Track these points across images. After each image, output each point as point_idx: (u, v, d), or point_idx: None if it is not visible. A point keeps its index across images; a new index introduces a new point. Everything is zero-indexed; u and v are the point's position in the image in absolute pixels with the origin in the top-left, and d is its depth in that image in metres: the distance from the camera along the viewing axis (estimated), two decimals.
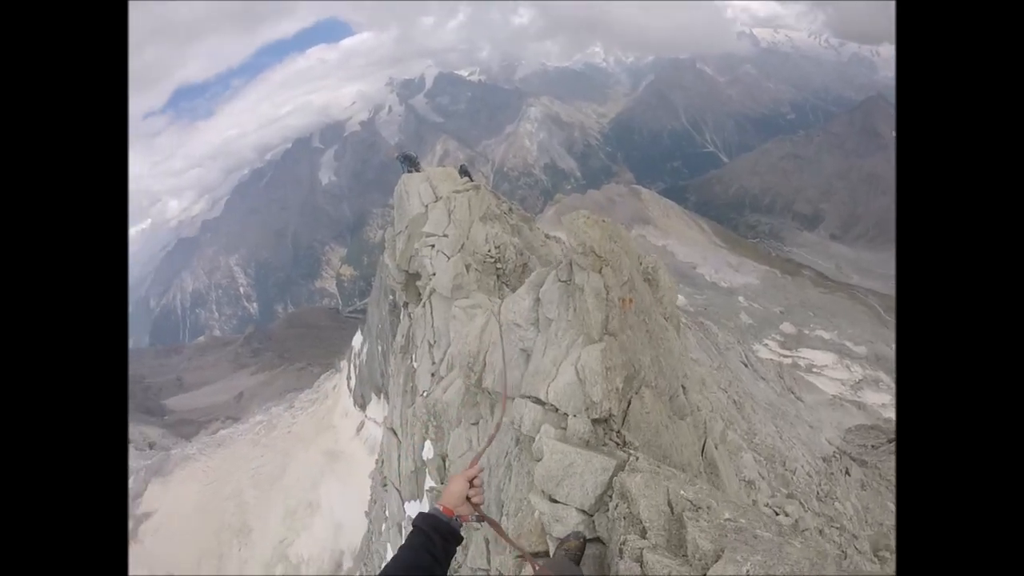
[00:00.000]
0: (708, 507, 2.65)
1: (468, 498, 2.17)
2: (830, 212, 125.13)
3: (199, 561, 37.72)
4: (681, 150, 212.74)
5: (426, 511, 2.10)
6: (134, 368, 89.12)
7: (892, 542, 13.22)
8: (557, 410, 3.85)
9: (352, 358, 48.70)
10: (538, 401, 4.06)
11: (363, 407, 42.96)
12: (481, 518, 2.22)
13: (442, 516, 2.05)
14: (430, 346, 7.48)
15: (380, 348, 37.63)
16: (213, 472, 45.76)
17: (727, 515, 2.57)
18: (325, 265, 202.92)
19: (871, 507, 16.30)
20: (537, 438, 3.75)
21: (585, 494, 3.23)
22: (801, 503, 10.59)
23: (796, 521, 7.63)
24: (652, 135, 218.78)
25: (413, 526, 2.04)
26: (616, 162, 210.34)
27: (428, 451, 5.90)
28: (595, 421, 3.65)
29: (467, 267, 7.76)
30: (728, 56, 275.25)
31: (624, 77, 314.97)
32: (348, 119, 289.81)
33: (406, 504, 7.29)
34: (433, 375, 6.81)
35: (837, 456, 19.88)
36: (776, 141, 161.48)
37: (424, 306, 7.86)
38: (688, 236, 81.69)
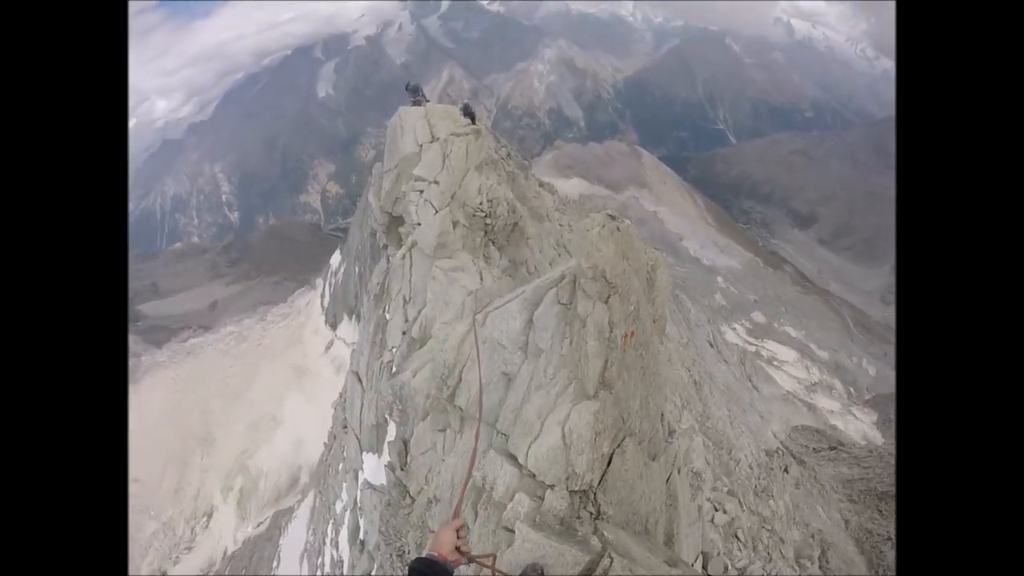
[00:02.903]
0: None
1: (457, 547, 2.44)
2: (825, 217, 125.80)
3: (164, 467, 38.63)
4: (691, 121, 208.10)
5: (423, 556, 2.36)
6: None
7: (814, 551, 14.22)
8: (535, 476, 3.62)
9: (328, 276, 48.34)
10: (515, 462, 3.79)
11: (334, 326, 43.11)
12: (470, 561, 2.53)
13: (438, 560, 2.31)
14: (405, 301, 7.18)
15: (357, 269, 37.28)
16: (182, 380, 46.07)
17: None
18: (312, 180, 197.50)
19: (801, 506, 17.24)
20: (510, 507, 3.57)
21: None
22: (740, 501, 11.09)
23: (732, 520, 7.96)
24: (665, 100, 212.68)
25: (410, 569, 2.26)
26: (623, 120, 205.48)
27: (391, 432, 5.75)
28: (573, 492, 3.51)
29: (454, 224, 7.39)
30: (760, 39, 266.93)
31: (649, 36, 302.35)
32: (354, 32, 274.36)
33: (364, 454, 7.30)
34: (404, 333, 6.59)
35: (780, 452, 20.86)
36: (789, 134, 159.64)
37: (404, 257, 7.55)
38: (681, 207, 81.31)
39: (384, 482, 5.82)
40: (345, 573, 8.65)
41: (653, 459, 4.10)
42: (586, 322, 3.74)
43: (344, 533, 9.52)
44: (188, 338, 55.56)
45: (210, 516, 35.34)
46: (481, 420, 4.15)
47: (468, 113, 11.88)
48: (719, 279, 63.95)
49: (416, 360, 5.61)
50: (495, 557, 3.03)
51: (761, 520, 13.52)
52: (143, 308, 72.21)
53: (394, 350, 6.63)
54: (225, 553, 31.92)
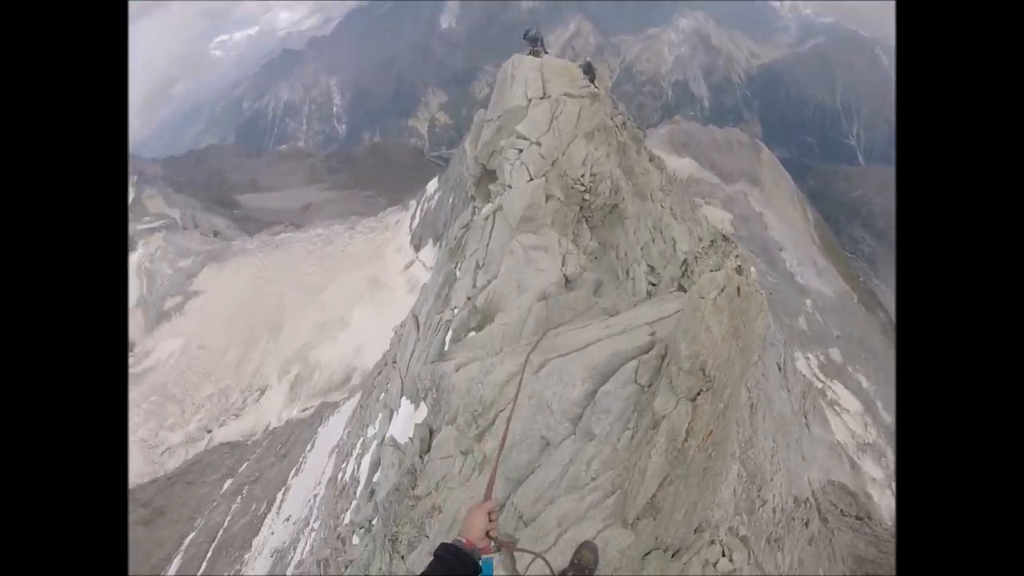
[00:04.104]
0: None
1: (487, 532, 2.21)
2: None
3: (230, 342, 42.55)
4: (821, 129, 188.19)
5: (448, 542, 2.13)
6: (216, 162, 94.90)
7: None
8: None
9: (422, 201, 49.73)
10: (511, 569, 3.28)
11: (417, 248, 44.72)
12: (499, 548, 2.31)
13: (464, 548, 2.09)
14: (477, 265, 6.70)
15: (451, 200, 37.90)
16: (265, 269, 49.84)
17: None
18: (423, 107, 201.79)
19: (805, 564, 16.13)
20: None
21: None
22: (751, 551, 10.34)
23: (732, 573, 7.26)
24: (798, 100, 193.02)
25: (435, 555, 2.06)
26: (750, 109, 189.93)
27: (420, 414, 5.52)
28: None
29: (547, 196, 6.75)
30: None
31: (794, 27, 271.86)
32: None
33: (403, 398, 7.32)
34: (469, 299, 6.17)
35: (808, 504, 19.49)
36: None
37: (487, 219, 7.06)
38: (789, 216, 74.87)
39: (407, 440, 5.69)
40: (358, 495, 9.04)
41: (675, 555, 3.47)
42: (659, 424, 2.99)
43: (367, 460, 9.87)
44: (279, 232, 59.59)
45: (263, 392, 38.65)
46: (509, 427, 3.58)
47: (589, 71, 10.95)
48: (808, 303, 59.09)
49: (466, 349, 5.18)
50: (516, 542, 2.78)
51: (761, 573, 12.66)
52: (242, 199, 78.18)
53: (455, 311, 6.41)
54: (267, 427, 34.92)
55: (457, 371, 4.69)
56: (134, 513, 27.27)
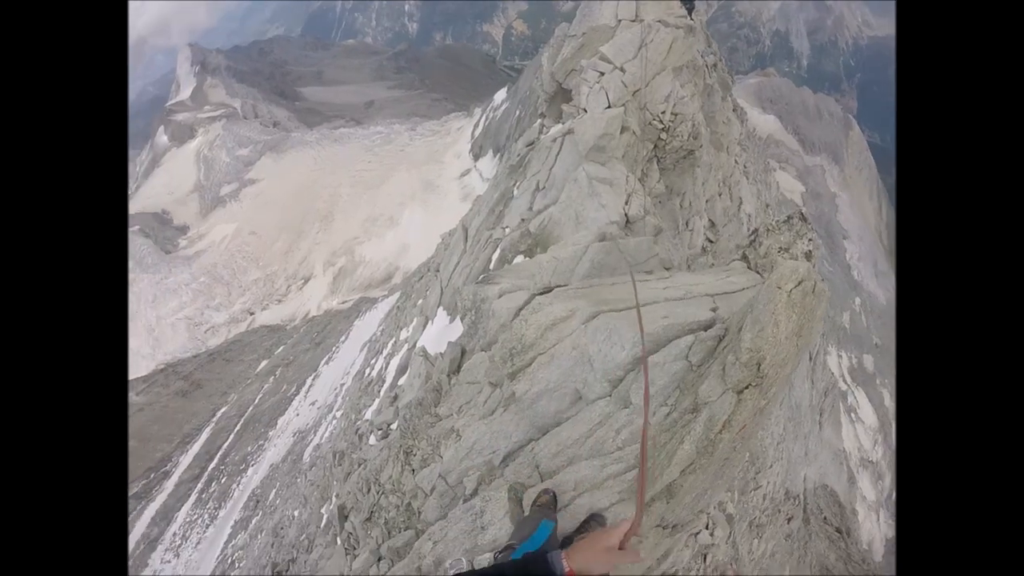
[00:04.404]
0: None
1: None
2: None
3: (280, 230, 43.86)
4: None
5: (548, 556, 1.60)
6: (280, 53, 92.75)
7: None
8: None
9: (488, 110, 48.52)
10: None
11: (476, 157, 44.31)
12: None
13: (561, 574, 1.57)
14: (537, 187, 6.41)
15: (518, 113, 36.81)
16: (322, 162, 50.26)
17: None
18: (500, 13, 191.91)
19: (776, 556, 16.35)
20: None
21: None
22: (732, 530, 10.46)
23: (710, 546, 7.23)
24: None
25: (527, 561, 1.67)
26: (849, 81, 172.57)
27: (455, 330, 5.37)
28: None
29: (623, 129, 6.23)
30: None
31: None
32: None
33: (440, 308, 7.37)
34: (523, 220, 5.99)
35: (797, 500, 19.52)
36: None
37: (555, 141, 6.63)
38: (863, 206, 69.54)
39: (438, 355, 5.66)
40: (381, 395, 9.50)
41: (673, 529, 3.42)
42: (700, 411, 2.82)
43: (395, 362, 10.24)
44: (339, 127, 59.45)
45: (307, 281, 40.37)
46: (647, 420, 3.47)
47: (688, 1, 10.10)
48: (857, 301, 56.15)
49: (511, 275, 4.90)
50: None
51: (734, 555, 12.90)
52: (304, 91, 77.54)
53: (507, 230, 6.24)
54: (307, 315, 36.79)
55: (500, 297, 4.49)
56: (174, 385, 29.75)
